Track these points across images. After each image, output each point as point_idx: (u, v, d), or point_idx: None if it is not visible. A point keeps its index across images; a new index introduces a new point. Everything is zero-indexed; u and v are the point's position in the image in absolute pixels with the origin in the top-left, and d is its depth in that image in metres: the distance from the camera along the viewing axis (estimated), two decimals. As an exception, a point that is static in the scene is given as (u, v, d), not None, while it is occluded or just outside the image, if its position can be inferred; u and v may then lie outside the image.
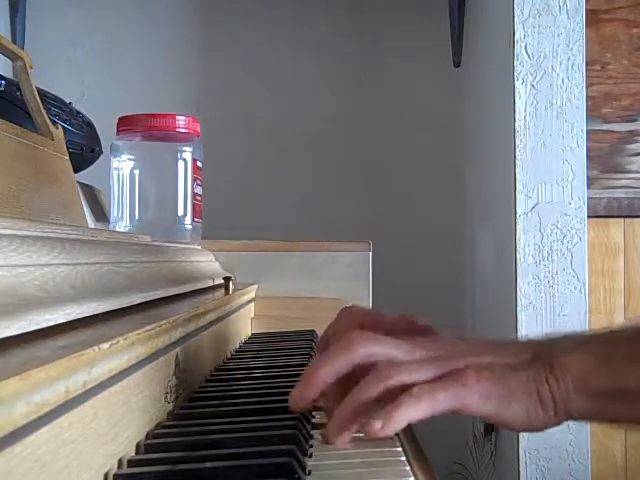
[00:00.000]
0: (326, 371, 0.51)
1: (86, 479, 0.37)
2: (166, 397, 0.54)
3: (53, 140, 0.86)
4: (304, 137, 1.94)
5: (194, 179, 1.08)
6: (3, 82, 0.96)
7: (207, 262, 1.01)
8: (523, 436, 1.45)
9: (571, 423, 0.58)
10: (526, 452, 1.46)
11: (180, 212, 1.07)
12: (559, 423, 0.51)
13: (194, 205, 1.08)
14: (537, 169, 1.48)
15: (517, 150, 1.48)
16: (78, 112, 1.11)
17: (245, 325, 1.06)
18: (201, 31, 1.97)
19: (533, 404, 0.50)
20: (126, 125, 1.07)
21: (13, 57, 0.86)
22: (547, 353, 0.52)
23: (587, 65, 1.49)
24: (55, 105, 1.05)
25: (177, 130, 1.07)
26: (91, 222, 1.04)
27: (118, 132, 1.08)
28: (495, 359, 0.51)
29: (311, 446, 0.50)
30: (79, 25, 1.94)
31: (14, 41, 1.81)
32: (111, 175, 1.08)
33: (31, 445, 0.31)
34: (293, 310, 1.13)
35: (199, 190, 1.10)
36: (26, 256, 0.42)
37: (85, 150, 1.10)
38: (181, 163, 1.07)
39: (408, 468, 0.46)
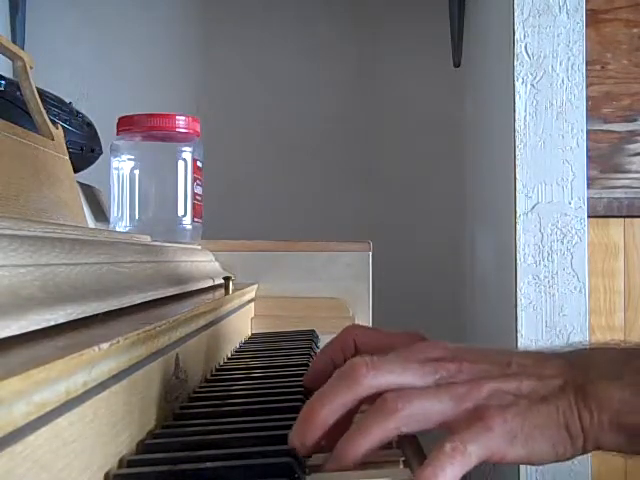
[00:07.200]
0: (326, 410, 0.46)
1: (86, 479, 0.37)
2: (166, 397, 0.54)
3: (53, 140, 0.86)
4: (304, 137, 1.94)
5: (194, 179, 1.08)
6: (3, 82, 0.96)
7: (207, 262, 1.01)
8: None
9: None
10: (526, 452, 1.46)
11: (180, 212, 1.07)
12: (586, 453, 0.47)
13: (194, 205, 1.08)
14: (537, 169, 1.48)
15: (517, 150, 1.48)
16: (78, 112, 1.11)
17: (245, 325, 1.06)
18: (201, 31, 1.97)
19: (561, 439, 0.45)
20: (126, 125, 1.07)
21: (13, 57, 0.86)
22: (580, 378, 0.47)
23: (587, 65, 1.49)
24: (55, 105, 1.05)
25: (177, 130, 1.07)
26: (91, 222, 1.05)
27: (118, 132, 1.08)
28: (520, 384, 0.46)
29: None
30: (79, 25, 1.94)
31: (14, 41, 1.80)
32: (111, 175, 1.08)
33: (31, 445, 0.31)
34: (293, 310, 1.13)
35: (199, 190, 1.10)
36: (26, 256, 0.42)
37: (85, 150, 1.10)
38: (181, 163, 1.07)
39: (402, 462, 0.46)
